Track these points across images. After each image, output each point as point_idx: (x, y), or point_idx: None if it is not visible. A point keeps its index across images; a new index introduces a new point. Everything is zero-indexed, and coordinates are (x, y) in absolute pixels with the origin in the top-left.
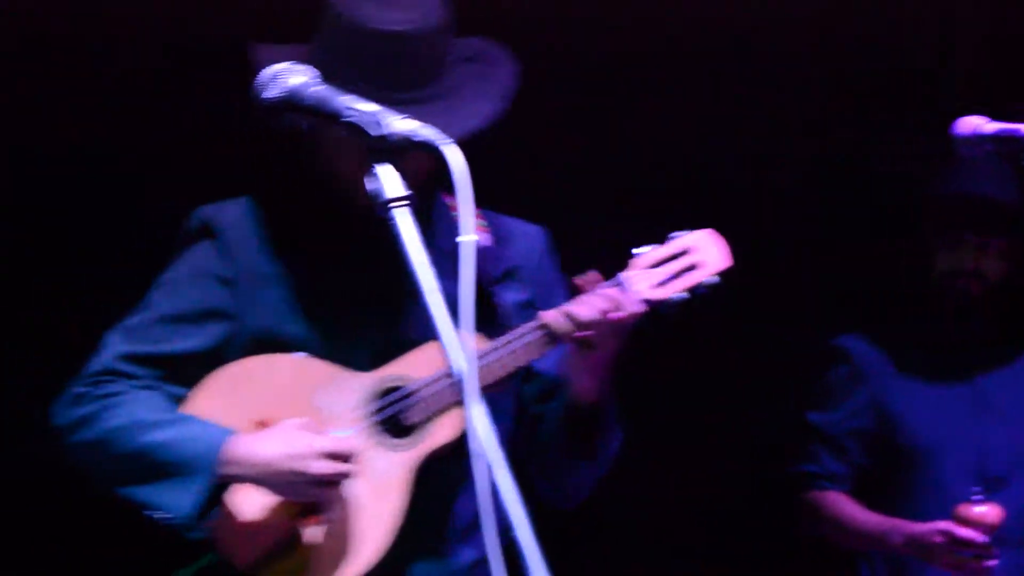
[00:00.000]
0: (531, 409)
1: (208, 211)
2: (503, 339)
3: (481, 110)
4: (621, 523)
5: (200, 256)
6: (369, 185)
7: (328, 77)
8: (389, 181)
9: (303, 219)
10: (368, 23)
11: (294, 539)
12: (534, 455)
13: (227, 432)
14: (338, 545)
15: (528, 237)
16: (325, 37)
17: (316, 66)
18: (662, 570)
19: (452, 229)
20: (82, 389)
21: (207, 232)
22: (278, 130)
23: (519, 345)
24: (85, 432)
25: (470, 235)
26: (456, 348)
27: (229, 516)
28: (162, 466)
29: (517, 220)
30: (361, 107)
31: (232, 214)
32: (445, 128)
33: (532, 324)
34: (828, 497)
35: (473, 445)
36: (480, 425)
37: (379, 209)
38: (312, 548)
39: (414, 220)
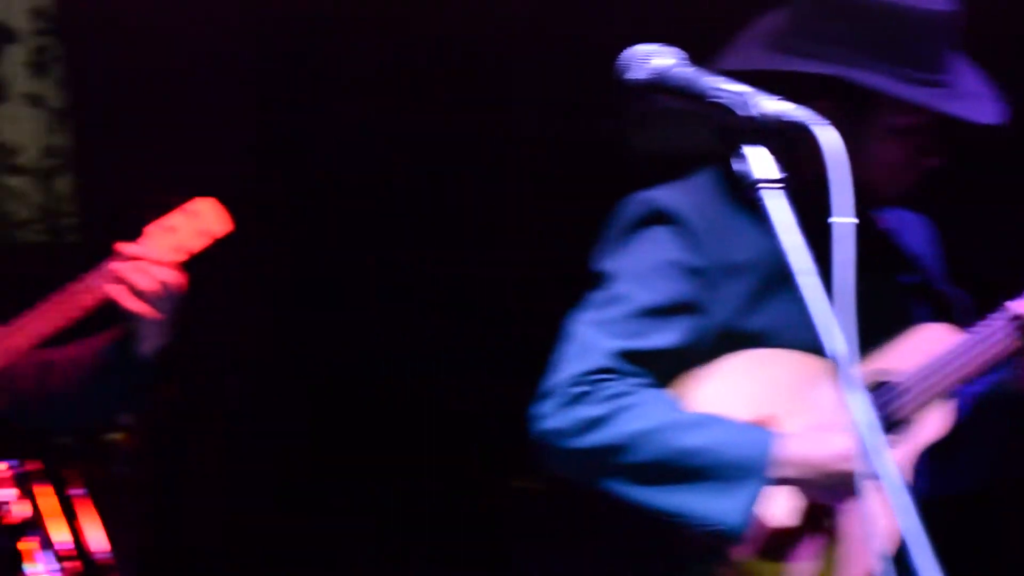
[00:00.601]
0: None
1: (660, 196)
2: (975, 332)
3: (992, 103)
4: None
5: (662, 244)
6: (736, 166)
7: (823, 59)
8: (758, 162)
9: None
10: (909, 3)
11: (820, 541)
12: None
13: (769, 433)
14: (853, 547)
15: (921, 225)
16: (821, 21)
17: (801, 51)
18: None
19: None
20: (581, 389)
21: (664, 218)
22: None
23: (993, 337)
24: (596, 435)
25: (847, 217)
26: (834, 331)
27: (756, 520)
28: (705, 470)
29: (903, 210)
30: (729, 87)
31: (690, 200)
32: (975, 116)
33: (1004, 315)
34: None
35: (855, 433)
36: (860, 413)
37: (747, 190)
38: (837, 550)
39: (790, 203)
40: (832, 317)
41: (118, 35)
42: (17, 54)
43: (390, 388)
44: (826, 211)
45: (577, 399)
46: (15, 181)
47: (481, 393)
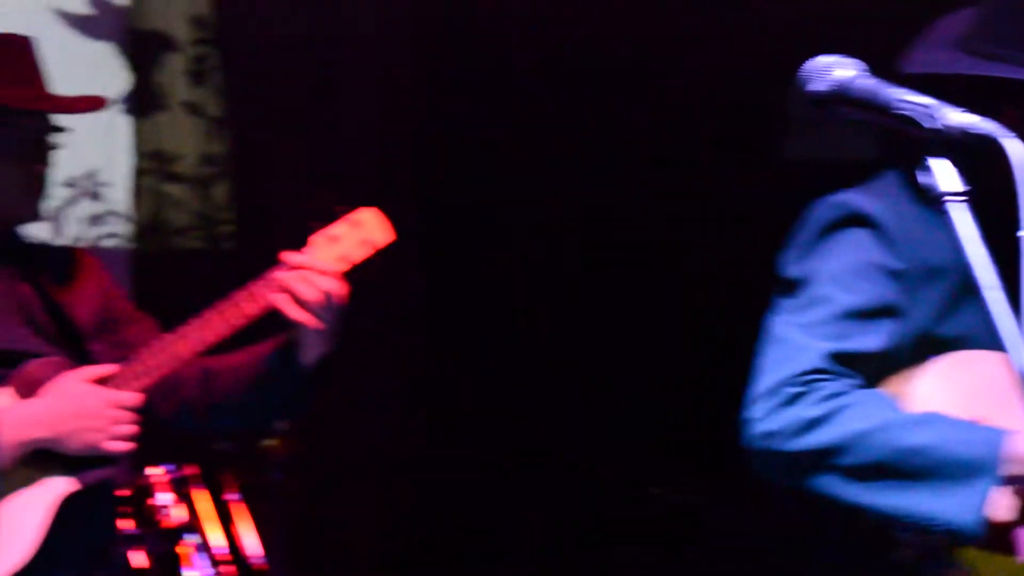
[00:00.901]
0: None
1: (855, 199)
2: None
3: None
4: None
5: (861, 247)
6: (922, 178)
7: (1016, 63)
8: (944, 175)
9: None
10: None
11: None
12: None
13: (998, 430)
14: None
15: None
16: (1011, 24)
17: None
18: None
19: None
20: (796, 390)
21: (861, 221)
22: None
23: None
24: (815, 436)
25: None
26: (1021, 346)
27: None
28: (934, 469)
29: None
30: (913, 99)
31: (883, 203)
32: None
33: None
34: None
35: None
36: None
37: (932, 203)
38: None
39: (974, 216)
40: (1019, 332)
41: (275, 44)
42: (177, 63)
43: (534, 394)
44: (1011, 223)
45: (792, 400)
46: (174, 188)
47: (626, 399)
